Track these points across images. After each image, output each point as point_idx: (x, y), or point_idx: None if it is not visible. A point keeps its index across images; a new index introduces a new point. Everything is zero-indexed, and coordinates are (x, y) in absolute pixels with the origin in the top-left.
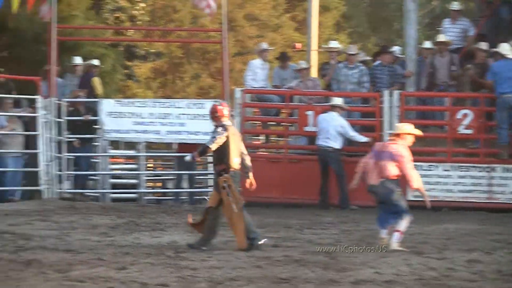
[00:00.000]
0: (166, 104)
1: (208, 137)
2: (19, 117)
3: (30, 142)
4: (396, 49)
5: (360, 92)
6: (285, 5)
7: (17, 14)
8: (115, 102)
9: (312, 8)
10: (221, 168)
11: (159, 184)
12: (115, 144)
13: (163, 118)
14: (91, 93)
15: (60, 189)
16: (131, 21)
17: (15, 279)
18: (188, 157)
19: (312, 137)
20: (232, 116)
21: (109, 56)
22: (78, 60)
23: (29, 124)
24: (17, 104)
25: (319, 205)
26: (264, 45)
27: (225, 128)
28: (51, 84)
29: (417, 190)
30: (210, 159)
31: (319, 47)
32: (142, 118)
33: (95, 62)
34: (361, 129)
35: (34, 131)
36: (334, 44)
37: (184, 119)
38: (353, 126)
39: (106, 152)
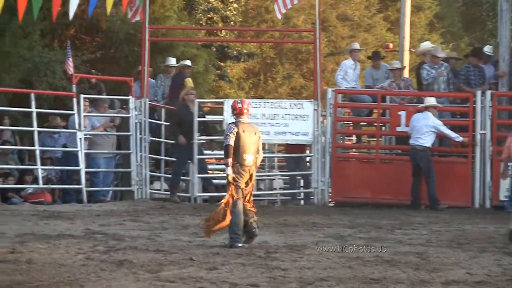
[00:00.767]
0: (274, 105)
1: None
2: (112, 117)
3: (122, 143)
4: (487, 48)
5: (450, 92)
6: (378, 5)
7: (110, 15)
8: None
9: (405, 8)
10: (233, 163)
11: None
12: (207, 144)
13: (271, 119)
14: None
15: (153, 189)
16: (224, 21)
17: (106, 279)
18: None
19: (403, 137)
20: (323, 116)
21: (201, 57)
22: (172, 61)
23: (121, 124)
24: (109, 105)
25: (410, 205)
26: (355, 45)
27: (236, 124)
28: (144, 84)
29: None
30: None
31: (411, 47)
32: (257, 118)
33: (188, 62)
34: (453, 130)
35: (126, 131)
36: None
37: (287, 120)
38: (446, 126)
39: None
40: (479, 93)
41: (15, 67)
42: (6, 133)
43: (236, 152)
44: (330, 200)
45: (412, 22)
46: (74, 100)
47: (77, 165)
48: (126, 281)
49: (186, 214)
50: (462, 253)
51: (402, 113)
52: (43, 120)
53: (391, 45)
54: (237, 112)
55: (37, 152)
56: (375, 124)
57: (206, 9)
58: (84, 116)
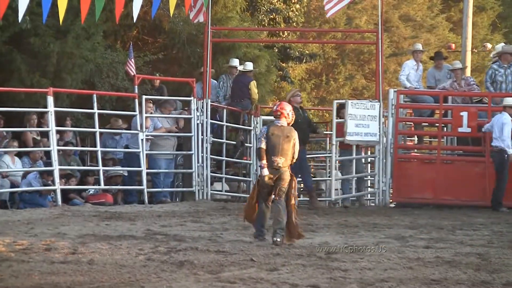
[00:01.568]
0: (367, 105)
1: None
2: (174, 119)
3: (184, 143)
4: None
5: None
6: (440, 6)
7: (172, 16)
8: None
9: (468, 8)
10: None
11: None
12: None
13: (370, 120)
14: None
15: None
16: (286, 22)
17: (167, 280)
18: (260, 169)
19: (464, 138)
20: (385, 117)
21: (263, 58)
22: (235, 62)
23: (183, 125)
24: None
25: (492, 207)
26: (418, 46)
27: (268, 127)
28: (206, 85)
29: None
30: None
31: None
32: (358, 119)
33: (250, 66)
34: None
35: (188, 132)
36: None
37: (368, 120)
38: None
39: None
40: None
41: (77, 68)
42: (68, 134)
43: (266, 154)
44: (391, 200)
45: (474, 23)
46: (136, 101)
47: (139, 166)
48: (187, 282)
49: None
50: None
51: (464, 114)
52: (105, 121)
53: (453, 46)
54: (275, 115)
55: (99, 153)
56: (437, 124)
57: (268, 10)
58: (147, 117)
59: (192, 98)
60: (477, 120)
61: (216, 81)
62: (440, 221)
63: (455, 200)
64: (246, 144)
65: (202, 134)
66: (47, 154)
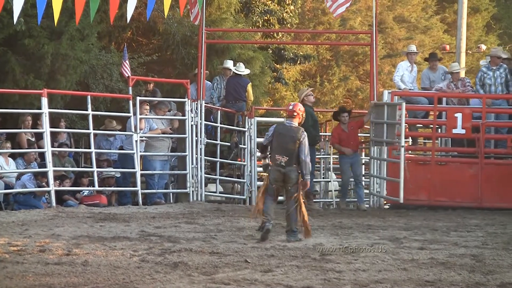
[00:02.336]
0: None
1: None
2: (169, 120)
3: (178, 145)
4: None
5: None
6: (434, 7)
7: (167, 17)
8: None
9: (462, 9)
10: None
11: None
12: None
13: None
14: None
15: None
16: (280, 23)
17: (161, 281)
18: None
19: (459, 140)
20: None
21: (258, 59)
22: (229, 63)
23: (177, 127)
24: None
25: None
26: (412, 48)
27: (276, 126)
28: (200, 87)
29: None
30: None
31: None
32: None
33: (243, 69)
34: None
35: (182, 134)
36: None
37: None
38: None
39: None
40: None
41: (72, 70)
42: (63, 136)
43: (271, 151)
44: (385, 202)
45: (469, 24)
46: (130, 102)
47: (133, 167)
48: (181, 283)
49: (241, 216)
50: None
51: (459, 115)
52: (99, 122)
53: (447, 47)
54: (289, 115)
55: (93, 155)
56: (431, 126)
57: (262, 11)
58: (141, 118)
59: (186, 99)
60: (471, 122)
61: (210, 83)
62: (435, 222)
63: (450, 201)
64: (240, 146)
65: (196, 136)
66: (41, 155)
